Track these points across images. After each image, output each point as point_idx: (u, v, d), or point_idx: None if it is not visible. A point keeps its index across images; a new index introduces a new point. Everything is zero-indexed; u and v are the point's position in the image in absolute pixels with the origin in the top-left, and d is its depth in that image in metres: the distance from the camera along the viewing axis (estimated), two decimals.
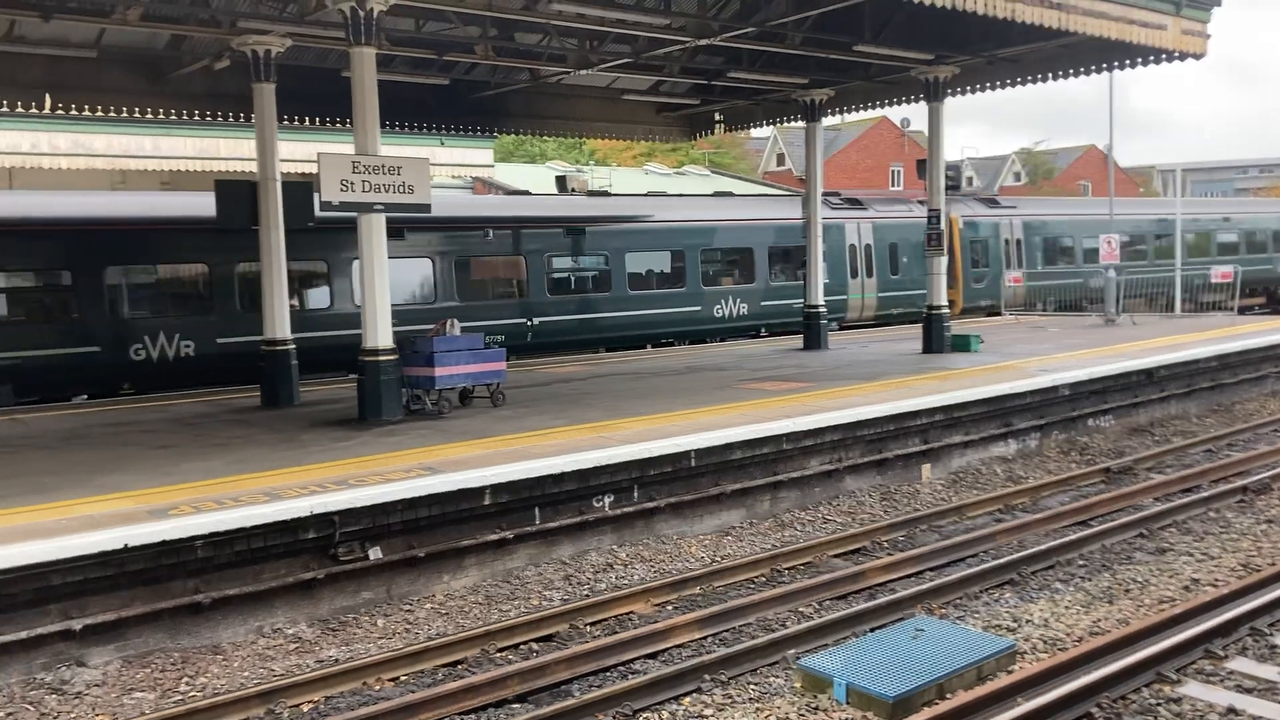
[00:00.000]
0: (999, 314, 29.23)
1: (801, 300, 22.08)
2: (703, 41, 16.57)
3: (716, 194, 29.16)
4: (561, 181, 28.95)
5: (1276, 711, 6.57)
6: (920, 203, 26.86)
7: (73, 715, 7.25)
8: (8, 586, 7.59)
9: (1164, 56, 16.37)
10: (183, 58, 16.53)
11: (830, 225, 25.36)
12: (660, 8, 15.67)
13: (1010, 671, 7.25)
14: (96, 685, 7.63)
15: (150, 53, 16.54)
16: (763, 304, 25.40)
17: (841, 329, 26.04)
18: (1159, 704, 6.79)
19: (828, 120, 22.75)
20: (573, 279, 22.95)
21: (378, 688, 7.65)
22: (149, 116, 17.77)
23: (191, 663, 8.09)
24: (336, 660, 8.16)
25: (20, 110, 16.61)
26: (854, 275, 27.51)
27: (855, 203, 28.41)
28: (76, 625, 7.81)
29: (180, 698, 7.54)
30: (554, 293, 22.32)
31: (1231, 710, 6.62)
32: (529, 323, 21.58)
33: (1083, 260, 32.18)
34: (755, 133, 58.46)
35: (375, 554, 9.31)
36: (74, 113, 17.01)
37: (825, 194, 25.76)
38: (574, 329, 22.50)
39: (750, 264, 25.52)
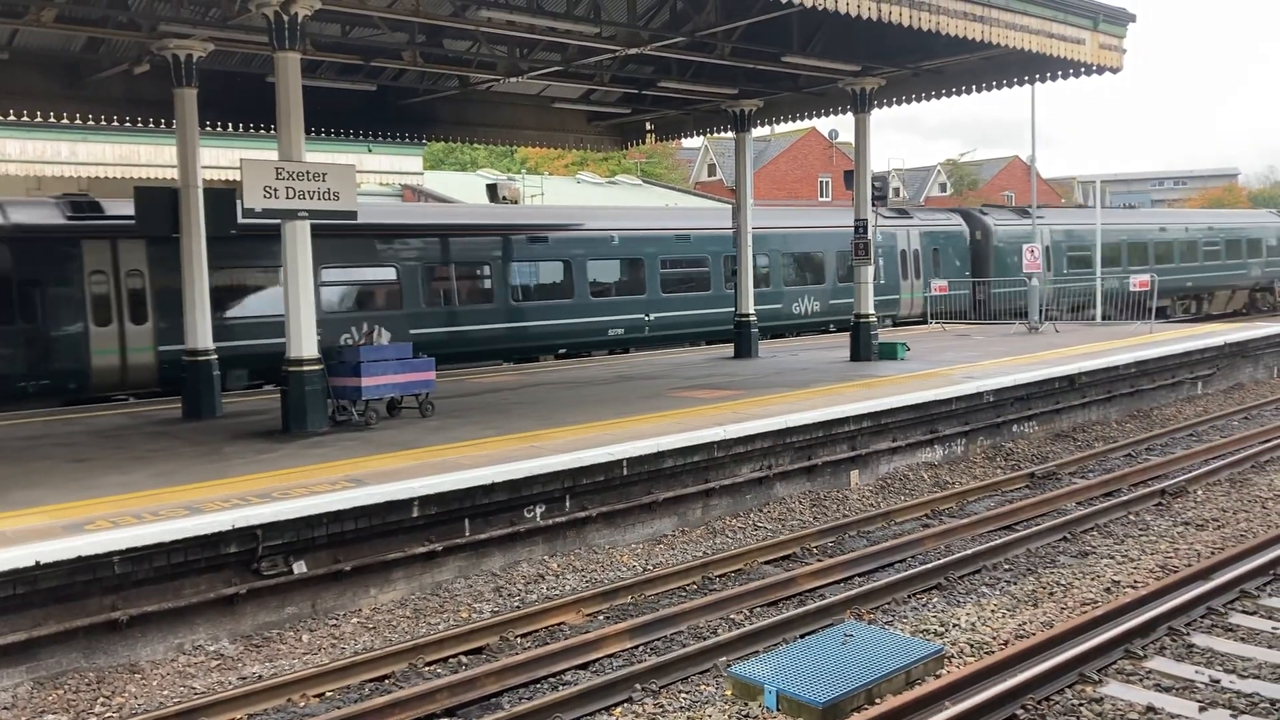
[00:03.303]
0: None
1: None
2: (632, 50, 16.58)
3: None
4: (492, 190, 28.75)
5: (1193, 709, 6.72)
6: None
7: None
8: None
9: (1083, 70, 16.75)
10: (101, 61, 16.10)
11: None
12: (590, 16, 15.65)
13: (938, 676, 7.32)
14: (5, 708, 7.36)
15: (66, 55, 16.07)
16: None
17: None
18: (1081, 704, 6.90)
19: (757, 131, 22.93)
20: None
21: (303, 704, 7.50)
22: (65, 121, 17.30)
23: (107, 683, 7.84)
24: (260, 677, 7.97)
25: None
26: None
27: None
28: None
29: (94, 719, 7.30)
30: None
31: (1150, 709, 6.76)
32: None
33: (465, 298, 21.94)
34: (687, 143, 59.12)
35: (300, 568, 9.13)
36: None
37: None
38: None
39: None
